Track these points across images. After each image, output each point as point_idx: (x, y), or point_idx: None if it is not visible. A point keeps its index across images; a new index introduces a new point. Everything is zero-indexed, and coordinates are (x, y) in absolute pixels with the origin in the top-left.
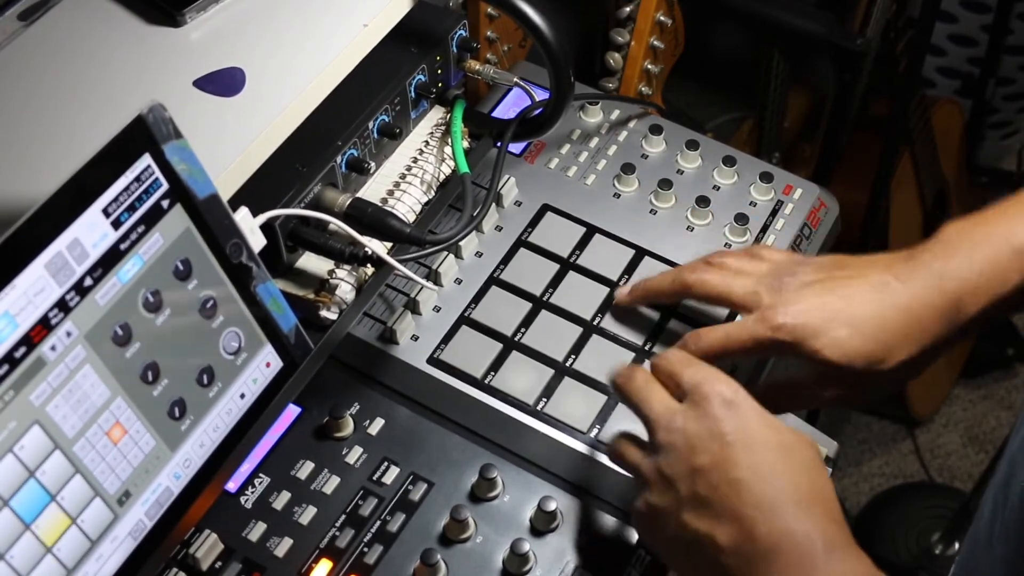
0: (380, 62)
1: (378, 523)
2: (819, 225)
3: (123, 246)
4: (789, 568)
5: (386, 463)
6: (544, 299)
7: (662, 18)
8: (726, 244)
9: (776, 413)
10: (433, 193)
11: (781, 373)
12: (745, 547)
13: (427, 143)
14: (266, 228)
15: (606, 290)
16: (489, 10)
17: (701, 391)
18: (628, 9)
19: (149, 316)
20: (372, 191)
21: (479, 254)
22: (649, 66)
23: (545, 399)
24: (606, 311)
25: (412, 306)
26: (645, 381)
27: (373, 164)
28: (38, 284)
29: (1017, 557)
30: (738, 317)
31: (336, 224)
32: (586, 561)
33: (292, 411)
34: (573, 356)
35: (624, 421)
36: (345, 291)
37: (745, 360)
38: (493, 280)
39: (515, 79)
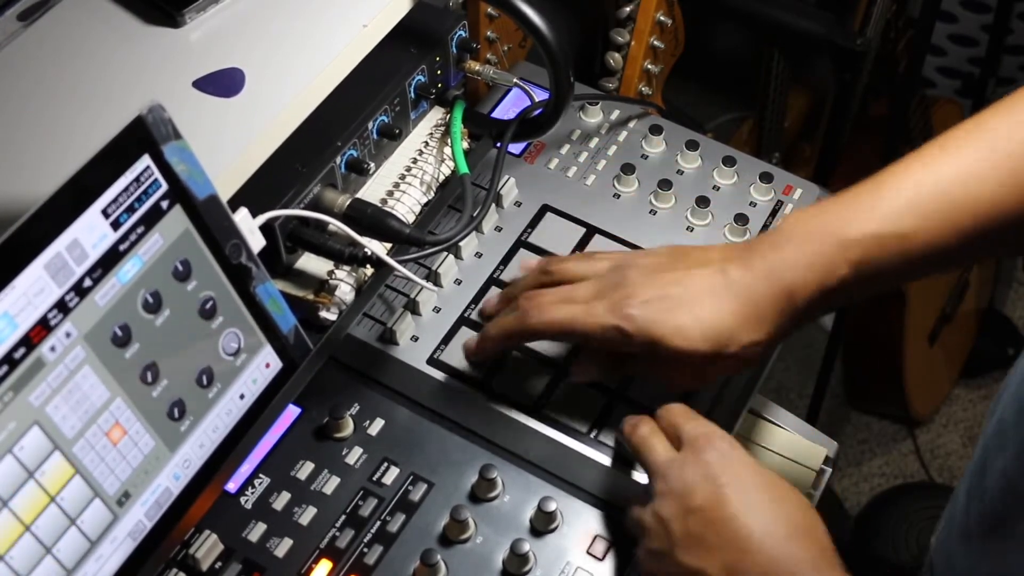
0: (380, 62)
1: (378, 523)
2: None
3: (122, 247)
4: None
5: (386, 463)
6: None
7: (662, 18)
8: (726, 244)
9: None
10: (433, 194)
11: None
12: None
13: (427, 144)
14: (265, 229)
15: None
16: (489, 10)
17: (699, 442)
18: (628, 9)
19: (148, 317)
20: (372, 192)
21: (479, 255)
22: (649, 66)
23: (545, 400)
24: None
25: (412, 307)
26: (650, 431)
27: (373, 165)
28: (37, 285)
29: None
30: None
31: (336, 225)
32: (586, 561)
33: (292, 411)
34: (573, 356)
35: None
36: (345, 292)
37: (590, 345)
38: (493, 280)
39: (515, 79)
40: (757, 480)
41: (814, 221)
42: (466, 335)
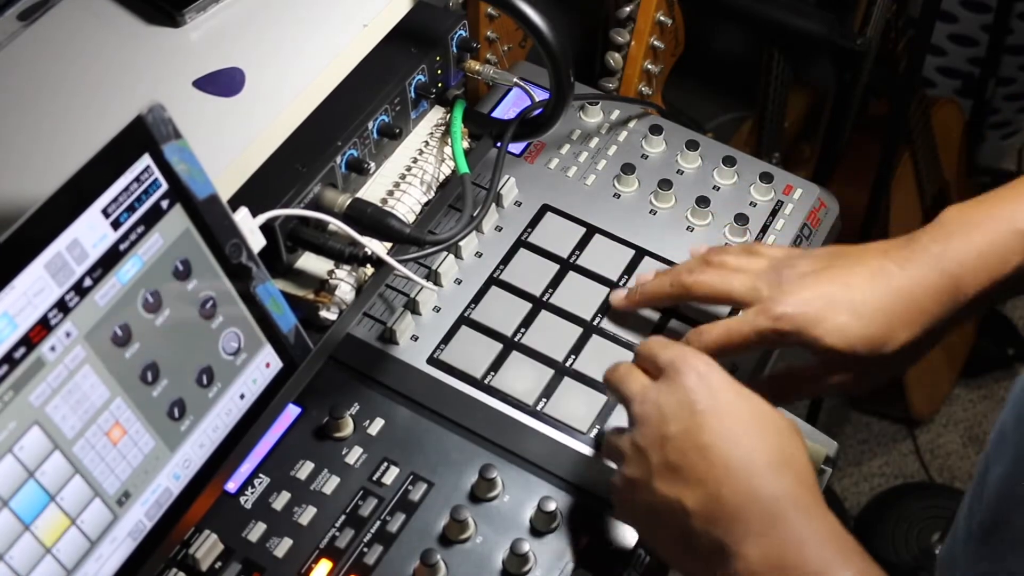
0: (380, 62)
1: (378, 523)
2: (819, 225)
3: (123, 246)
4: (756, 528)
5: (386, 463)
6: (544, 299)
7: (662, 18)
8: (726, 244)
9: (780, 404)
10: (433, 193)
11: (782, 365)
12: (712, 509)
13: (427, 143)
14: (266, 228)
15: (606, 290)
16: (489, 10)
17: (675, 366)
18: (628, 9)
19: (149, 316)
20: (372, 191)
21: (479, 254)
22: (649, 66)
23: (545, 399)
24: (606, 311)
25: (412, 306)
26: (627, 368)
27: (373, 164)
28: (38, 284)
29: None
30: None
31: (336, 224)
32: (586, 561)
33: (292, 411)
34: (573, 356)
35: (623, 422)
36: (345, 291)
37: (747, 355)
38: (493, 280)
39: (515, 79)
40: (736, 405)
41: (978, 212)
42: (466, 335)
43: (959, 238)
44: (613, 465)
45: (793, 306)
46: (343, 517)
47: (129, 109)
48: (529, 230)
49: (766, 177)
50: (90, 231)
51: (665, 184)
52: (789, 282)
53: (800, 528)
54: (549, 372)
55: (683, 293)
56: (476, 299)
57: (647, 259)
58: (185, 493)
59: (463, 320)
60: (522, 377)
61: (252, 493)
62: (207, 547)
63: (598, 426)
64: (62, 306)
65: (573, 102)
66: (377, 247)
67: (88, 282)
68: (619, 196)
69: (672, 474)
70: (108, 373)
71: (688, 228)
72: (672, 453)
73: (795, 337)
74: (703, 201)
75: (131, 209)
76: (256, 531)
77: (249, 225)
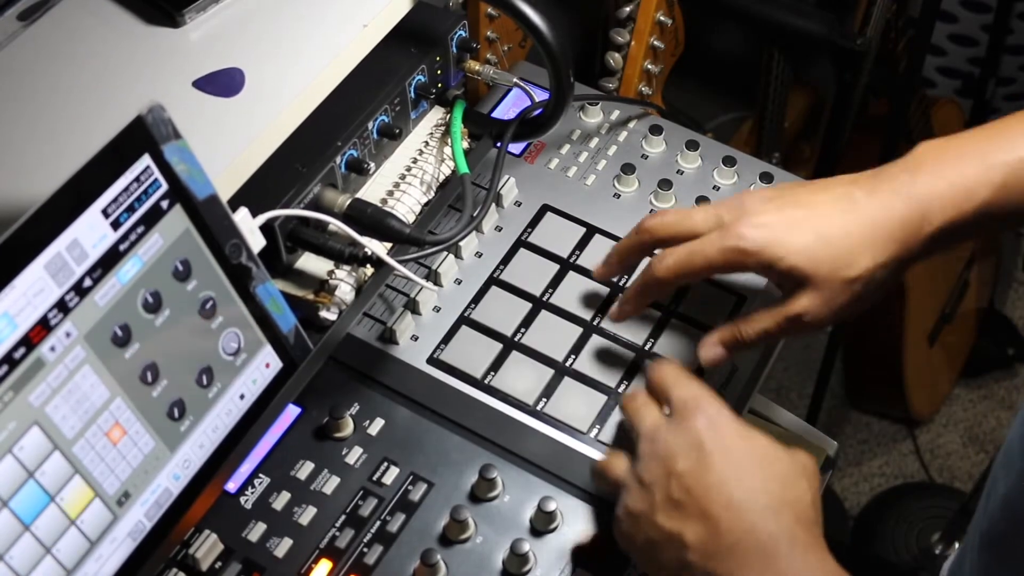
0: (380, 62)
1: (378, 523)
2: None
3: (122, 247)
4: (750, 563)
5: (386, 463)
6: (544, 299)
7: (662, 18)
8: None
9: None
10: (433, 193)
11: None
12: (710, 543)
13: (427, 143)
14: (265, 229)
15: (606, 290)
16: (489, 10)
17: (688, 408)
18: (628, 9)
19: (148, 317)
20: (372, 192)
21: (479, 254)
22: (649, 66)
23: (545, 399)
24: (606, 311)
25: (412, 306)
26: (644, 401)
27: (373, 164)
28: (37, 285)
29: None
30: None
31: (336, 225)
32: (586, 561)
33: (292, 411)
34: (573, 356)
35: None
36: (345, 291)
37: (710, 275)
38: (493, 280)
39: (515, 79)
40: (743, 448)
41: (951, 146)
42: (466, 335)
43: (928, 170)
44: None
45: (756, 226)
46: (343, 517)
47: (129, 109)
48: (529, 230)
49: (766, 177)
50: (90, 231)
51: (665, 184)
52: (752, 205)
53: (795, 565)
54: (549, 372)
55: (648, 238)
56: (476, 299)
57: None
58: (185, 493)
59: (463, 320)
60: (522, 377)
61: (252, 493)
62: (207, 547)
63: (598, 426)
64: (62, 306)
65: (573, 102)
66: (377, 247)
67: (88, 282)
68: (619, 196)
69: (675, 509)
70: (108, 373)
71: None
72: (676, 490)
73: (757, 257)
74: (703, 201)
75: (131, 209)
76: (256, 531)
77: (249, 225)
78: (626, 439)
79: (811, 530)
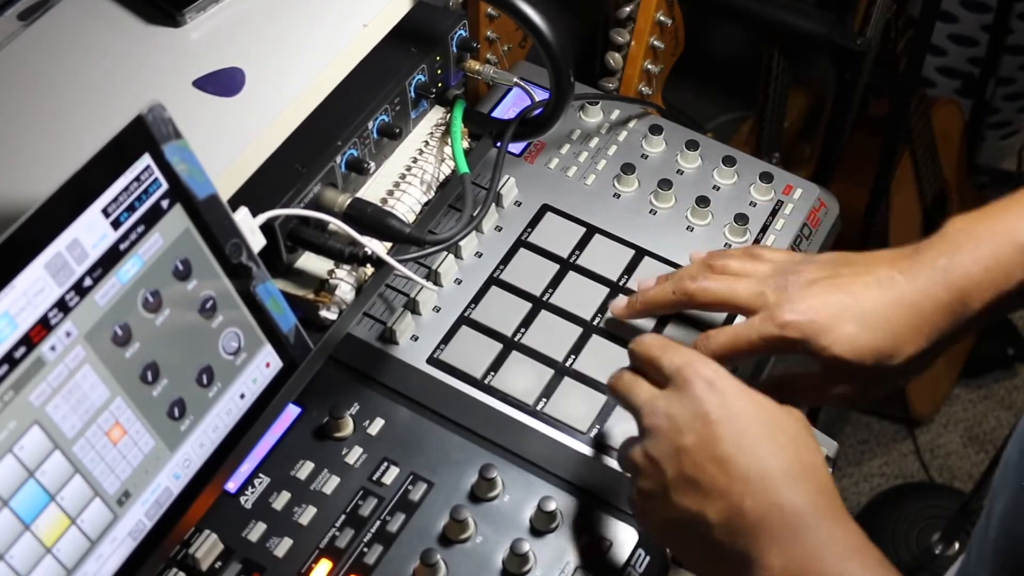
0: (380, 62)
1: (378, 523)
2: (819, 225)
3: (123, 246)
4: (779, 538)
5: (386, 463)
6: (544, 299)
7: (662, 18)
8: (726, 244)
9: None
10: (433, 193)
11: (782, 369)
12: (735, 521)
13: (427, 143)
14: (266, 228)
15: (606, 290)
16: (489, 10)
17: (682, 375)
18: (628, 9)
19: (149, 316)
20: (372, 191)
21: (479, 254)
22: (649, 66)
23: (545, 399)
24: (606, 311)
25: (412, 306)
26: (632, 376)
27: (373, 164)
28: (38, 284)
29: None
30: (737, 319)
31: (336, 224)
32: (586, 561)
33: (292, 411)
34: (573, 356)
35: (624, 421)
36: (345, 291)
37: (749, 360)
38: (493, 280)
39: (515, 79)
40: (748, 412)
41: (983, 225)
42: (466, 334)
43: (965, 252)
44: (615, 467)
45: (800, 313)
46: (343, 517)
47: (129, 109)
48: (529, 230)
49: (766, 177)
50: (90, 231)
51: (665, 184)
52: (795, 288)
53: (823, 538)
54: (549, 372)
55: (686, 300)
56: (476, 299)
57: (647, 259)
58: (185, 493)
59: (463, 320)
60: (522, 377)
61: (252, 493)
62: (207, 547)
63: (598, 426)
64: (62, 306)
65: (573, 102)
66: (377, 247)
67: (88, 282)
68: (619, 196)
69: (690, 487)
70: (108, 373)
71: (688, 228)
72: (688, 466)
73: (802, 345)
74: (703, 201)
75: (131, 209)
76: (256, 531)
77: (249, 225)
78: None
79: (833, 498)
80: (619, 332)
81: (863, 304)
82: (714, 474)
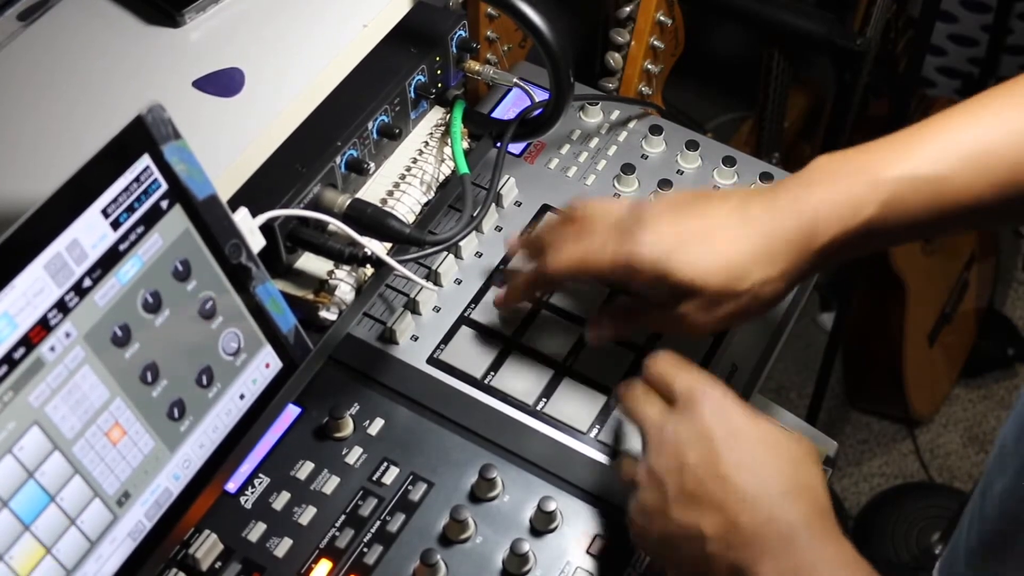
0: (380, 62)
1: (378, 523)
2: None
3: (122, 247)
4: (771, 554)
5: (386, 463)
6: (544, 299)
7: (662, 18)
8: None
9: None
10: (433, 193)
11: (627, 298)
12: (730, 535)
13: (427, 143)
14: (265, 229)
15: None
16: (489, 10)
17: (691, 395)
18: (628, 9)
19: (148, 317)
20: (372, 192)
21: (479, 254)
22: (649, 66)
23: (545, 399)
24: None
25: (412, 306)
26: (643, 392)
27: (372, 165)
28: (37, 285)
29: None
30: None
31: (335, 225)
32: (586, 561)
33: (292, 411)
34: (573, 356)
35: (624, 421)
36: (344, 291)
37: (604, 282)
38: (493, 280)
39: (515, 79)
40: (752, 434)
41: (845, 161)
42: (466, 335)
43: (818, 185)
44: (615, 467)
45: (651, 237)
46: (343, 517)
47: (129, 109)
48: (529, 230)
49: (766, 177)
50: (90, 231)
51: (665, 184)
52: (649, 215)
53: (814, 553)
54: (549, 372)
55: (549, 281)
56: (476, 299)
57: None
58: (185, 493)
59: (463, 320)
60: (522, 377)
61: (252, 493)
62: (207, 547)
63: (598, 426)
64: (62, 306)
65: (573, 102)
66: (377, 247)
67: (88, 282)
68: (619, 196)
69: (690, 502)
70: (108, 373)
71: None
72: (690, 482)
73: (651, 268)
74: None
75: (131, 209)
76: (256, 531)
77: (249, 225)
78: (625, 441)
79: (827, 517)
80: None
81: (713, 229)
82: (713, 490)
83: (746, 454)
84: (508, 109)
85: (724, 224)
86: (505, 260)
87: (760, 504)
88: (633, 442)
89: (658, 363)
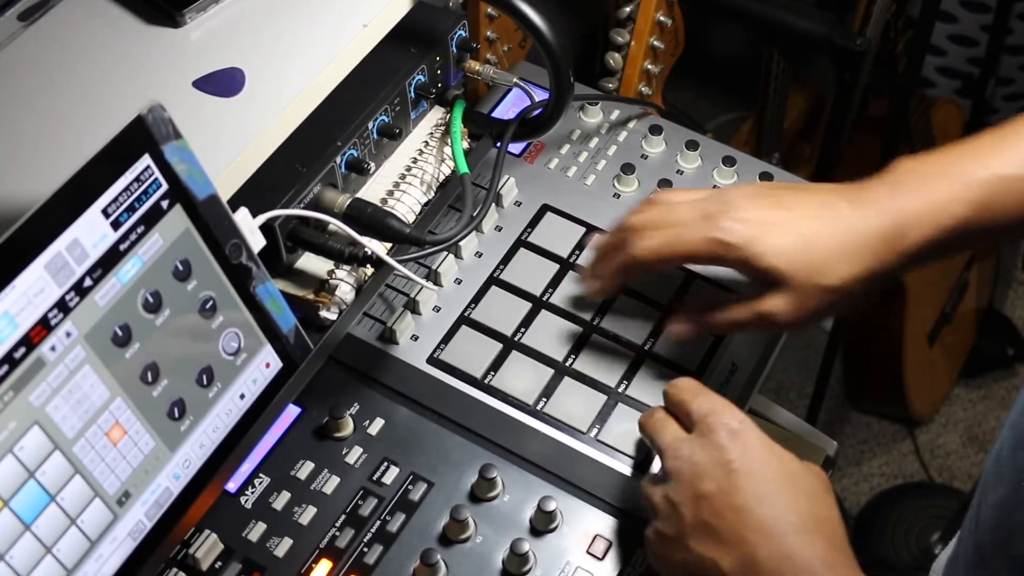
0: (380, 62)
1: (378, 523)
2: None
3: (123, 247)
4: None
5: (386, 463)
6: (544, 299)
7: (662, 18)
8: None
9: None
10: (433, 193)
11: (710, 292)
12: (748, 571)
13: (427, 143)
14: (265, 228)
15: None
16: (489, 10)
17: (708, 422)
18: (628, 9)
19: (149, 317)
20: (372, 191)
21: (479, 254)
22: (649, 66)
23: (545, 399)
24: (606, 311)
25: (412, 306)
26: (662, 417)
27: (373, 164)
28: (38, 284)
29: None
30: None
31: (336, 224)
32: (586, 561)
33: (292, 411)
34: (573, 356)
35: (624, 421)
36: (345, 291)
37: (693, 263)
38: (493, 280)
39: (515, 79)
40: (769, 464)
41: (932, 162)
42: (466, 334)
43: (908, 185)
44: (615, 468)
45: (740, 221)
46: (343, 517)
47: (129, 109)
48: (529, 230)
49: (766, 177)
50: (90, 231)
51: (665, 184)
52: (736, 200)
53: None
54: (549, 372)
55: (636, 267)
56: (476, 299)
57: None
58: (185, 493)
59: (463, 320)
60: (522, 377)
61: (252, 493)
62: (207, 547)
63: (598, 426)
64: (62, 306)
65: (573, 102)
66: (377, 247)
67: (88, 282)
68: (619, 196)
69: (707, 534)
70: (108, 373)
71: None
72: (706, 512)
73: (737, 251)
74: None
75: (131, 209)
76: (256, 531)
77: (249, 225)
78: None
79: (844, 552)
80: (620, 332)
81: (801, 220)
82: (731, 523)
83: (764, 485)
84: (508, 109)
85: (811, 216)
86: (506, 260)
87: (778, 539)
88: (628, 438)
89: (677, 389)
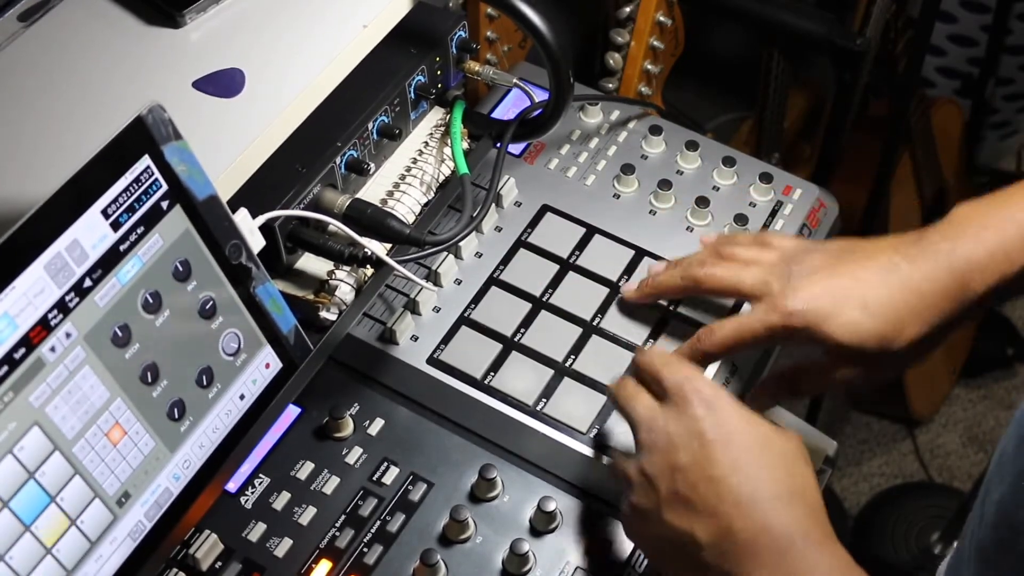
0: (380, 63)
1: (378, 523)
2: (819, 225)
3: (122, 247)
4: (767, 562)
5: (386, 463)
6: (544, 299)
7: (662, 18)
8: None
9: (784, 400)
10: (432, 194)
11: (787, 361)
12: (724, 543)
13: (426, 144)
14: (265, 229)
15: (606, 290)
16: (489, 10)
17: (682, 392)
18: (628, 9)
19: (148, 317)
20: (371, 192)
21: (479, 255)
22: (649, 66)
23: (545, 399)
24: (606, 311)
25: (412, 306)
26: (634, 388)
27: (372, 165)
28: (38, 285)
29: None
30: (744, 307)
31: (335, 225)
32: (586, 561)
33: (292, 411)
34: (573, 356)
35: (623, 422)
36: (344, 292)
37: (757, 350)
38: (493, 280)
39: (514, 80)
40: (744, 434)
41: (989, 209)
42: (466, 335)
43: (968, 236)
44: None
45: (803, 302)
46: (343, 517)
47: (129, 110)
48: (529, 230)
49: (766, 177)
50: (90, 232)
51: (665, 184)
52: (799, 277)
53: (809, 561)
54: (549, 372)
55: (693, 286)
56: (476, 299)
57: (646, 260)
58: (185, 493)
59: (463, 320)
60: (522, 377)
61: (252, 493)
62: (207, 547)
63: (598, 426)
64: (62, 307)
65: (573, 102)
66: (377, 248)
67: (88, 283)
68: (619, 196)
69: (682, 505)
70: (108, 374)
71: (688, 228)
72: (682, 484)
73: (806, 333)
74: (703, 201)
75: (131, 210)
76: (256, 531)
77: (249, 226)
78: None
79: (822, 522)
80: (619, 332)
81: (866, 289)
82: (706, 494)
83: (738, 455)
84: (508, 109)
85: (874, 283)
86: (506, 260)
87: (754, 509)
88: (627, 437)
89: (647, 357)
